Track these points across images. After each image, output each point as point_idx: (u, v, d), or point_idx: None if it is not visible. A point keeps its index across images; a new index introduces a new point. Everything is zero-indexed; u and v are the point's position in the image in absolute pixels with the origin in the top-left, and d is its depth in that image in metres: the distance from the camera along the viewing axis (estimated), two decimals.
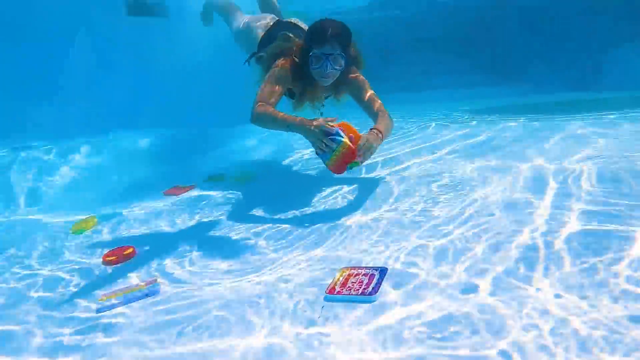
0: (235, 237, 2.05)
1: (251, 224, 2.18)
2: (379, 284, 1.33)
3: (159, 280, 1.67)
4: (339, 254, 1.66)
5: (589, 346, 0.94)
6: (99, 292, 1.63)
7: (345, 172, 2.20)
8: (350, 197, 2.36)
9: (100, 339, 1.30)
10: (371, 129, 2.23)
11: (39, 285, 1.80)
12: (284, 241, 1.90)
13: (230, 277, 1.62)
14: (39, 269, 1.99)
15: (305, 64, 2.28)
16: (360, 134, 2.18)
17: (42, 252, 2.23)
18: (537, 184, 2.07)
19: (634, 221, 1.52)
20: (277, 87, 2.33)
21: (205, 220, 2.39)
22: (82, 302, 1.58)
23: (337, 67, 2.26)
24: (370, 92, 2.50)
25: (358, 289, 1.31)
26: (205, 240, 2.09)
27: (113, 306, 1.49)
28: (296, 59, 2.35)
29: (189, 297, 1.49)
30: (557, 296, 1.15)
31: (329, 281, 1.40)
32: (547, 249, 1.42)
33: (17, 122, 5.43)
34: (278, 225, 2.09)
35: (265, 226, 2.11)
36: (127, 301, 1.51)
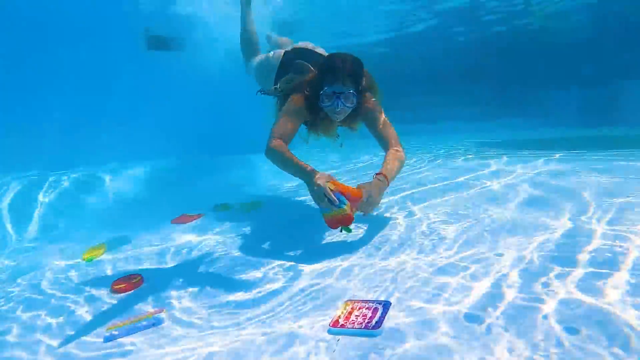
0: (241, 270, 2.06)
1: (257, 257, 2.20)
2: (382, 317, 1.35)
3: (165, 310, 1.70)
4: (344, 287, 1.68)
5: None
6: (107, 321, 1.66)
7: (337, 229, 2.07)
8: (358, 231, 2.39)
9: None
10: (377, 175, 2.18)
11: (48, 313, 1.83)
12: (290, 273, 1.92)
13: (235, 317, 1.64)
14: (48, 297, 2.03)
15: (317, 99, 2.25)
16: (362, 189, 2.05)
17: (52, 279, 2.27)
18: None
19: None
20: (291, 124, 2.31)
21: (213, 250, 2.42)
22: (90, 330, 1.61)
23: (349, 105, 2.22)
24: (384, 124, 2.42)
25: (362, 323, 1.33)
26: (212, 271, 2.11)
27: (120, 335, 1.51)
28: (308, 93, 2.31)
29: (193, 337, 1.51)
30: None
31: (334, 314, 1.42)
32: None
33: (24, 152, 5.59)
34: (283, 260, 2.10)
35: (271, 259, 2.13)
36: (133, 330, 1.54)
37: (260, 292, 1.76)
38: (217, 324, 1.53)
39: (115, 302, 1.88)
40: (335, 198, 1.91)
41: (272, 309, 1.58)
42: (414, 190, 3.10)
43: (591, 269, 1.50)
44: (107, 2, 7.19)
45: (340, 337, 1.29)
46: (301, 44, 3.04)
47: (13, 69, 7.03)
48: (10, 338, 1.64)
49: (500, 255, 1.74)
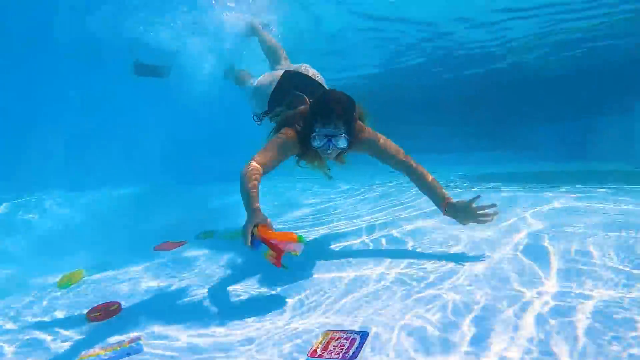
0: (223, 299, 2.07)
1: (239, 286, 2.20)
2: (359, 348, 1.37)
3: (142, 338, 1.68)
4: (324, 319, 1.70)
5: None
6: (82, 350, 1.62)
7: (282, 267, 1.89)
8: (341, 259, 2.42)
9: None
10: (445, 201, 2.33)
11: (20, 340, 1.78)
12: (273, 303, 1.93)
13: (217, 343, 1.64)
14: (21, 324, 1.97)
15: (309, 136, 2.22)
16: (279, 234, 1.90)
17: (26, 306, 2.21)
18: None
19: None
20: (276, 155, 2.26)
21: (194, 279, 2.41)
22: None
23: (341, 146, 2.20)
24: (389, 148, 2.41)
25: (339, 353, 1.35)
26: (192, 300, 2.10)
27: None
28: (299, 128, 2.30)
29: None
30: None
31: (313, 343, 1.44)
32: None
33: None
34: (266, 288, 2.12)
35: (253, 288, 2.14)
36: None
37: (241, 320, 1.76)
38: (197, 357, 1.52)
39: (91, 330, 1.84)
40: (249, 242, 1.83)
41: (254, 338, 1.58)
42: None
43: None
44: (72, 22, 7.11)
45: None
46: (296, 67, 3.02)
47: None
48: None
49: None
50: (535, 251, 2.25)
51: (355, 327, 1.56)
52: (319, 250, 2.70)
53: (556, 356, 1.25)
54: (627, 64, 11.21)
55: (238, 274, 2.39)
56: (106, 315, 1.95)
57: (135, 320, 1.88)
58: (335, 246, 2.79)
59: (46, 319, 2.02)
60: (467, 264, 2.15)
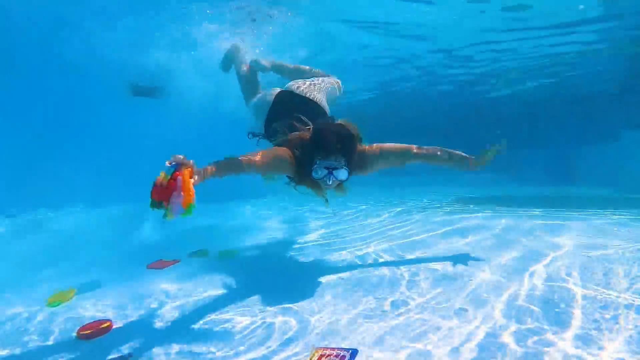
0: (214, 320, 2.06)
1: (231, 307, 2.21)
2: None
3: (133, 357, 1.68)
4: (311, 337, 1.72)
5: None
6: None
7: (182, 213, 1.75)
8: (327, 278, 2.45)
9: None
10: (467, 159, 2.45)
11: (9, 358, 1.76)
12: (264, 325, 1.94)
13: None
14: (10, 342, 1.95)
15: (309, 166, 2.19)
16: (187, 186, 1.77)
17: (15, 324, 2.19)
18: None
19: None
20: (270, 166, 2.21)
21: (186, 298, 2.41)
22: None
23: (340, 178, 2.19)
24: (393, 150, 2.41)
25: None
26: (183, 320, 2.10)
27: None
28: (298, 153, 2.26)
29: None
30: None
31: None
32: None
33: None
34: (256, 310, 2.12)
35: (244, 309, 2.15)
36: None
37: (232, 341, 1.77)
38: None
39: (81, 349, 1.83)
40: (170, 163, 1.74)
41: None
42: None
43: None
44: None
45: None
46: (293, 85, 2.94)
47: None
48: None
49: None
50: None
51: (345, 345, 1.58)
52: (315, 267, 2.73)
53: None
54: (614, 94, 11.60)
55: (230, 295, 2.40)
56: (97, 333, 1.95)
57: (126, 338, 1.88)
58: (330, 261, 2.81)
59: (35, 337, 2.00)
60: (461, 286, 2.19)
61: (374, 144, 2.40)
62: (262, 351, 1.63)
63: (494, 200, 6.34)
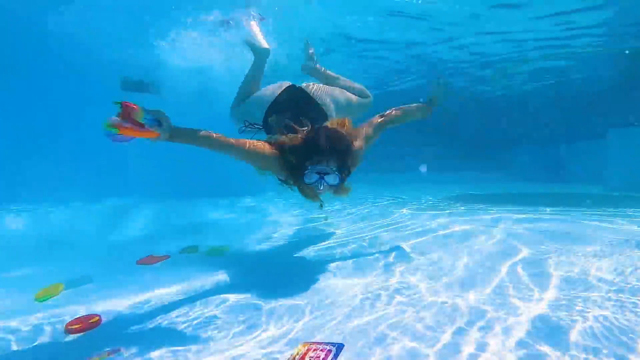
0: (204, 316, 2.07)
1: (220, 303, 2.23)
2: (334, 359, 1.43)
3: (122, 350, 1.70)
4: (298, 332, 1.75)
5: None
6: None
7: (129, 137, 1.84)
8: (317, 274, 2.48)
9: None
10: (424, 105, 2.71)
11: None
12: (252, 321, 1.97)
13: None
14: None
15: (300, 171, 2.17)
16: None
17: (2, 319, 2.19)
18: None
19: None
20: (247, 153, 2.19)
21: (176, 294, 2.43)
22: None
23: (331, 183, 2.16)
24: (373, 125, 2.51)
25: None
26: (173, 315, 2.11)
27: None
28: (289, 158, 2.22)
29: None
30: None
31: (289, 354, 1.49)
32: None
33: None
34: (248, 306, 2.15)
35: (233, 305, 2.17)
36: None
37: (220, 337, 1.79)
38: None
39: (70, 343, 1.84)
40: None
41: (235, 356, 1.62)
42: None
43: None
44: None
45: None
46: (307, 84, 2.86)
47: None
48: None
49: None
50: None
51: (332, 339, 1.62)
52: (306, 262, 2.76)
53: None
54: (602, 92, 11.83)
55: (220, 291, 2.42)
56: (86, 327, 1.96)
57: (115, 333, 1.90)
58: (321, 255, 2.85)
59: (23, 331, 2.00)
60: (448, 281, 2.24)
61: (358, 128, 2.45)
62: (250, 345, 1.66)
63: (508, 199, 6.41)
